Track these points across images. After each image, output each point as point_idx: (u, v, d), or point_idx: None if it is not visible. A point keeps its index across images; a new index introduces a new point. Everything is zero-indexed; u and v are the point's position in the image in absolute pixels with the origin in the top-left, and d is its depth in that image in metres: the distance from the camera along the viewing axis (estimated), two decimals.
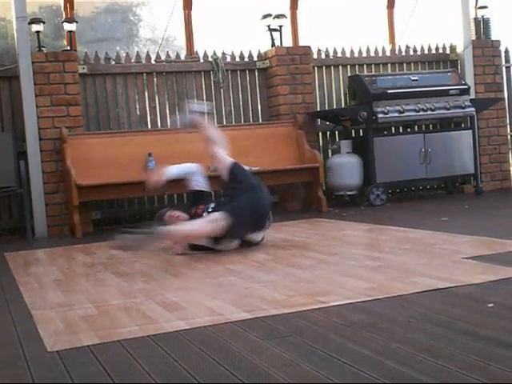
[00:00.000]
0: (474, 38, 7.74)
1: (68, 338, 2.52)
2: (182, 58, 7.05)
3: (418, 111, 6.93)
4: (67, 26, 6.52)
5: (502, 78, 7.95)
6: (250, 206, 4.43)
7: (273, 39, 7.14)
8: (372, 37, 7.85)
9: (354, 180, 6.85)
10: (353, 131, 7.46)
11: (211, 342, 2.32)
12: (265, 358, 2.09)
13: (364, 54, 7.63)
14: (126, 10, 7.75)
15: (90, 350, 2.32)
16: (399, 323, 2.40)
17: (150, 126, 6.87)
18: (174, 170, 4.85)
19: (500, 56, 7.90)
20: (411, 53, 7.85)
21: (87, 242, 5.48)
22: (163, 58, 6.95)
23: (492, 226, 4.77)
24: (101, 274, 3.90)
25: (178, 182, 4.92)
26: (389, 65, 7.73)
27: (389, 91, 6.80)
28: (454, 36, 7.84)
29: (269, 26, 7.10)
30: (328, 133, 7.43)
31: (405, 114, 6.88)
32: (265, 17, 7.06)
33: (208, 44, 7.18)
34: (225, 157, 4.81)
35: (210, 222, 4.32)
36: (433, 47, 7.93)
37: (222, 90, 7.10)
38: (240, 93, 7.20)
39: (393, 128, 7.52)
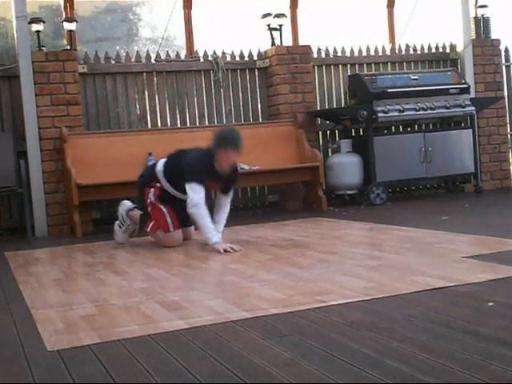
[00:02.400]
0: (473, 37, 7.74)
1: (68, 337, 2.52)
2: (182, 57, 7.05)
3: (418, 110, 6.93)
4: (67, 26, 6.52)
5: (502, 76, 7.95)
6: None
7: (273, 38, 7.13)
8: (372, 36, 7.85)
9: (354, 179, 6.85)
10: (353, 130, 7.46)
11: (211, 342, 2.32)
12: (265, 357, 2.09)
13: (364, 53, 7.63)
14: (125, 10, 7.75)
15: (90, 350, 2.32)
16: (400, 322, 2.40)
17: (150, 126, 6.87)
18: None
19: (500, 55, 7.90)
20: (411, 52, 7.85)
21: (87, 241, 5.48)
22: (163, 57, 6.95)
23: (492, 225, 4.77)
24: (101, 274, 3.90)
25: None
26: (389, 64, 7.73)
27: (389, 90, 6.80)
28: (453, 35, 7.83)
29: (269, 26, 7.10)
30: (328, 132, 7.42)
31: (405, 113, 6.88)
32: (265, 16, 7.06)
33: (208, 43, 7.17)
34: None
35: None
36: (433, 46, 7.93)
37: (221, 90, 7.09)
38: (240, 92, 7.20)
39: (393, 127, 7.52)
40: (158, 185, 4.83)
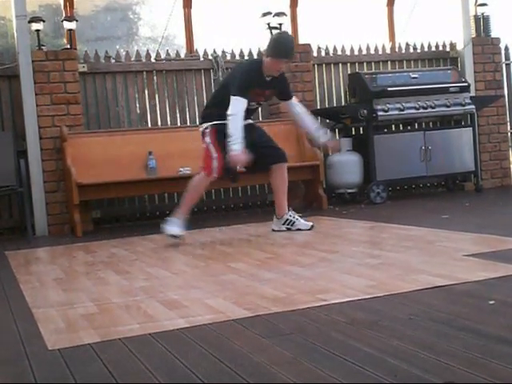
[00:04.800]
0: (473, 36, 7.73)
1: (69, 336, 2.52)
2: (182, 56, 7.04)
3: (418, 109, 6.93)
4: (67, 25, 6.51)
5: (502, 75, 7.94)
6: None
7: None
8: (372, 34, 7.84)
9: (354, 178, 6.84)
10: (353, 129, 7.46)
11: (212, 340, 2.32)
12: (266, 356, 2.09)
13: (364, 52, 7.62)
14: (125, 9, 7.75)
15: (91, 348, 2.32)
16: (400, 321, 2.40)
17: (150, 125, 6.87)
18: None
19: (500, 53, 7.89)
20: (411, 50, 7.84)
21: (87, 240, 5.48)
22: (163, 56, 6.95)
23: (492, 224, 4.77)
24: (101, 273, 3.90)
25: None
26: (389, 62, 7.72)
27: (389, 89, 6.79)
28: (453, 33, 7.83)
29: (269, 24, 7.09)
30: (328, 131, 7.41)
31: (405, 112, 6.87)
32: (265, 15, 7.06)
33: (208, 42, 7.17)
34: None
35: None
36: (433, 45, 7.93)
37: None
38: None
39: (393, 126, 7.51)
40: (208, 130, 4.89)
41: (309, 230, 5.03)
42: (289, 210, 5.13)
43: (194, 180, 4.96)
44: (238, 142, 4.56)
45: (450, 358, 1.94)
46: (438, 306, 2.57)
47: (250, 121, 5.06)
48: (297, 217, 5.11)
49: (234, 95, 4.64)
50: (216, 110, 4.84)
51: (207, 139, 4.87)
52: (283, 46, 4.81)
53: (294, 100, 5.22)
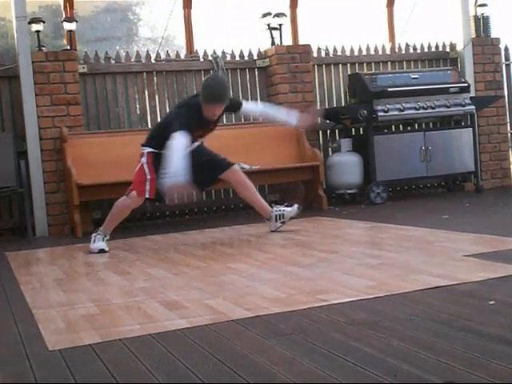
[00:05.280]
0: (473, 36, 7.73)
1: (69, 336, 2.52)
2: (182, 57, 7.04)
3: (418, 109, 6.93)
4: (67, 26, 6.52)
5: (502, 75, 7.94)
6: None
7: (273, 38, 7.13)
8: (372, 35, 7.84)
9: (354, 178, 6.85)
10: (353, 129, 7.46)
11: (212, 341, 2.32)
12: (266, 356, 2.09)
13: (364, 53, 7.62)
14: (125, 9, 7.75)
15: (91, 349, 2.32)
16: (401, 321, 2.40)
17: (150, 125, 6.86)
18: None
19: (500, 54, 7.89)
20: (411, 51, 7.84)
21: (88, 241, 5.45)
22: (163, 57, 6.95)
23: (492, 224, 4.77)
24: (102, 273, 3.91)
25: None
26: (389, 63, 7.72)
27: (389, 89, 6.79)
28: (453, 34, 7.83)
29: (269, 25, 7.09)
30: (328, 131, 7.42)
31: (405, 112, 6.88)
32: (265, 15, 7.06)
33: (208, 43, 7.17)
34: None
35: None
36: (433, 45, 7.93)
37: None
38: (240, 91, 7.19)
39: (393, 126, 7.51)
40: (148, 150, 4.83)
41: (298, 212, 5.09)
42: (272, 207, 5.13)
43: (120, 201, 4.85)
44: (176, 176, 4.26)
45: (451, 358, 1.94)
46: (438, 306, 2.57)
47: (197, 143, 4.89)
48: (282, 208, 5.11)
49: (177, 130, 4.43)
50: (154, 141, 4.82)
51: (143, 159, 4.82)
52: (210, 90, 4.64)
53: (246, 102, 5.11)
